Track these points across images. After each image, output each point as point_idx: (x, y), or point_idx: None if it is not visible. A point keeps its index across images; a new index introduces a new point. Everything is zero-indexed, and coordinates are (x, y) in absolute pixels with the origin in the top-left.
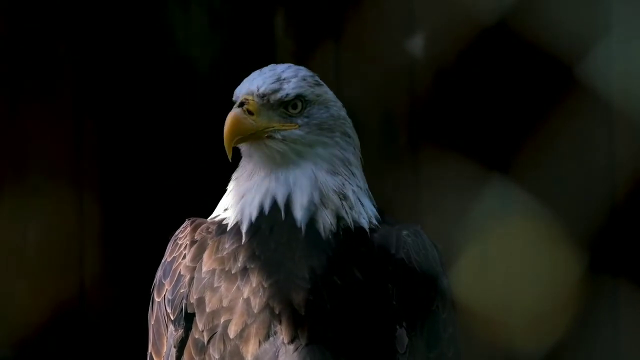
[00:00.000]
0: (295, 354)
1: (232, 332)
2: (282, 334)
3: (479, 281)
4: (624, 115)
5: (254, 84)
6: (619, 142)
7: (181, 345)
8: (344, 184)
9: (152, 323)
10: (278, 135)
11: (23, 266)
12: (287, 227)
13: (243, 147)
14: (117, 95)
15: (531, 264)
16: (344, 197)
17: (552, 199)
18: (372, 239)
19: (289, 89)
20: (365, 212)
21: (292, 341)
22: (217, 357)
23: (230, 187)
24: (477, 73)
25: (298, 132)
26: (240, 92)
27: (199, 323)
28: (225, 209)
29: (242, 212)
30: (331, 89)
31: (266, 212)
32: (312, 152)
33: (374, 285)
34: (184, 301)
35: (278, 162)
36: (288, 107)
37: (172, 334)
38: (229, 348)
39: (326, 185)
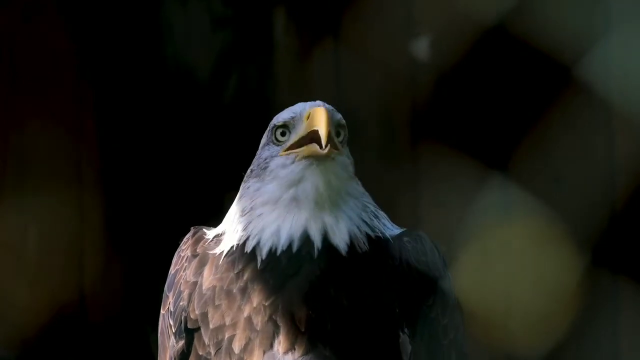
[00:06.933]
0: None
1: (236, 347)
2: (279, 345)
3: (479, 281)
4: (623, 115)
5: (317, 102)
6: (619, 141)
7: (182, 359)
8: (366, 203)
9: (159, 335)
10: (338, 160)
11: (23, 266)
12: (313, 258)
13: (298, 167)
14: (117, 96)
15: (531, 264)
16: (375, 216)
17: (552, 199)
18: (381, 248)
19: (340, 116)
20: (385, 223)
21: (286, 352)
22: None
23: (244, 205)
24: (477, 73)
25: (346, 159)
26: (305, 107)
27: (205, 337)
28: (235, 229)
29: (264, 240)
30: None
31: (294, 249)
32: (347, 185)
33: (379, 296)
34: (184, 313)
35: (325, 194)
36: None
37: (173, 347)
38: None
39: (359, 214)
